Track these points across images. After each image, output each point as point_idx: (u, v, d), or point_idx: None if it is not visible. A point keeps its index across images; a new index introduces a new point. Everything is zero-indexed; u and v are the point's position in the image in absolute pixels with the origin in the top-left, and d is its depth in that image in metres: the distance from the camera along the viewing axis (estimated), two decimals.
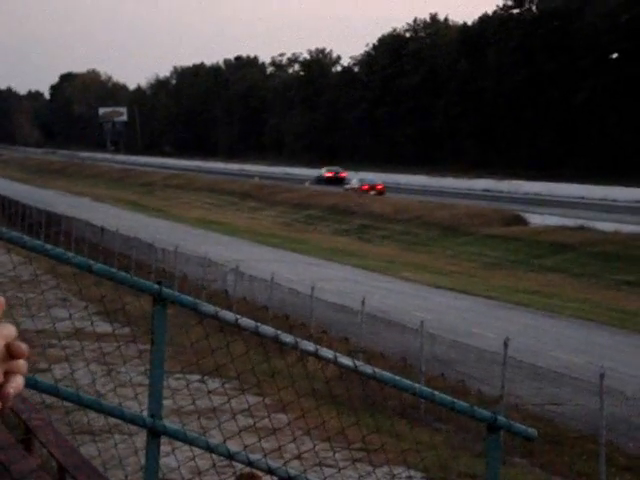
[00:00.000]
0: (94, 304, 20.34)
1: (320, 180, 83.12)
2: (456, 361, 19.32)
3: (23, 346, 1.29)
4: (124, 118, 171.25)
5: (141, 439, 6.26)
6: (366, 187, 70.27)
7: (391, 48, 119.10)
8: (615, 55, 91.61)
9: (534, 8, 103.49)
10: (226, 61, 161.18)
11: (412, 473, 12.36)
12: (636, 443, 15.48)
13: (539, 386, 18.11)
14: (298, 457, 8.52)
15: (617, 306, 30.91)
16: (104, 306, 16.29)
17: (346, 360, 5.27)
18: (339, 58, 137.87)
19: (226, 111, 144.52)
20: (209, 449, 5.03)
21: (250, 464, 5.03)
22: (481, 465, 7.63)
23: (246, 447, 5.40)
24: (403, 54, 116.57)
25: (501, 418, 5.27)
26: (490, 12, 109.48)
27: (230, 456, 5.06)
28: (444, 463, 13.21)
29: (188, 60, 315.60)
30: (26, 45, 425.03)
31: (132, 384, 11.49)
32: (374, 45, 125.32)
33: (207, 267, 28.63)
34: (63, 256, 4.86)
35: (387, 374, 5.33)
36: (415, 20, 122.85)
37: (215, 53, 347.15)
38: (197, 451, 5.24)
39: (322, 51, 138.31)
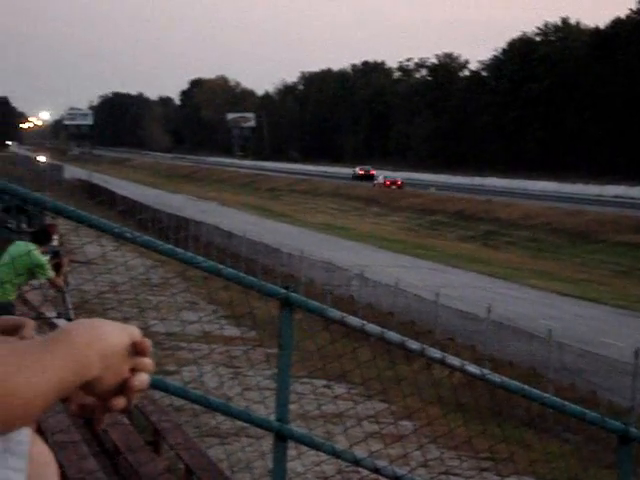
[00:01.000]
0: (222, 307, 20.56)
1: (355, 177, 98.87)
2: (585, 371, 18.93)
3: (148, 342, 1.31)
4: (252, 124, 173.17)
5: (267, 443, 6.28)
6: (388, 183, 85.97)
7: (521, 52, 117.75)
8: None
9: None
10: (353, 66, 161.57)
11: None
12: None
13: None
14: (424, 465, 8.45)
15: None
16: (232, 310, 16.48)
17: (473, 368, 5.23)
18: (467, 63, 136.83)
19: (352, 116, 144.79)
20: (335, 455, 5.01)
21: (376, 471, 5.00)
22: (612, 477, 7.43)
23: (372, 453, 5.36)
24: (533, 58, 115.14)
25: (633, 430, 5.16)
26: (623, 16, 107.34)
27: (356, 462, 5.03)
28: (574, 474, 12.95)
29: (315, 66, 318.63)
30: (157, 52, 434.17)
31: (259, 388, 11.58)
32: (503, 49, 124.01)
33: (332, 272, 28.69)
34: (193, 260, 4.91)
35: (515, 383, 5.27)
36: (546, 24, 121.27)
37: (342, 58, 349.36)
38: (323, 456, 5.22)
39: (450, 55, 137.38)
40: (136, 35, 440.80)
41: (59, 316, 15.62)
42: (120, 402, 1.29)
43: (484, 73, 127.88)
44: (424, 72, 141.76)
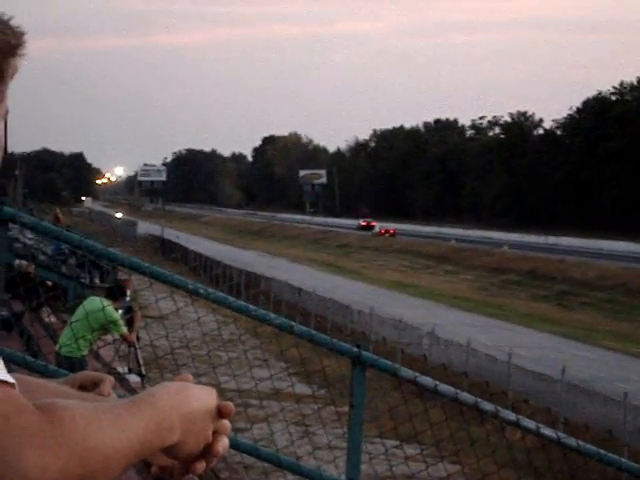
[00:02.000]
0: (292, 365, 20.50)
1: (359, 227, 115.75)
2: None
3: (230, 405, 1.32)
4: (323, 180, 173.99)
5: None
6: (382, 231, 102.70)
7: (596, 111, 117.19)
8: None
9: None
10: (425, 124, 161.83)
11: None
12: None
13: None
14: None
15: None
16: (303, 367, 16.45)
17: (549, 431, 5.16)
18: (541, 121, 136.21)
19: (424, 174, 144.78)
20: None
21: None
22: None
23: None
24: (608, 117, 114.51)
25: None
26: None
27: None
28: None
29: (388, 123, 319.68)
30: (231, 109, 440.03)
31: (330, 447, 11.46)
32: (578, 108, 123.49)
33: (402, 330, 28.51)
34: (266, 317, 4.95)
35: (591, 447, 5.20)
36: (621, 83, 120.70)
37: (415, 116, 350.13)
38: None
39: (524, 114, 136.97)
40: (210, 93, 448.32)
41: (130, 372, 15.69)
42: (201, 466, 1.30)
43: (558, 132, 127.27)
44: (497, 130, 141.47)
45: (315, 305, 35.50)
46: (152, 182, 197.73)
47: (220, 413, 1.30)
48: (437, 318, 37.87)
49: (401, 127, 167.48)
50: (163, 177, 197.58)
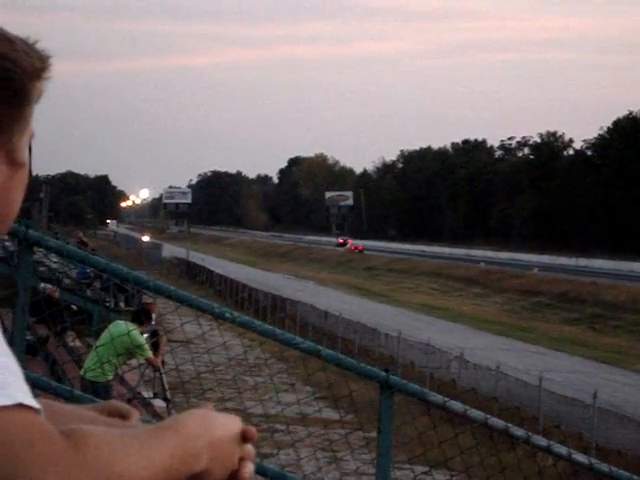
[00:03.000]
0: (319, 389, 20.33)
1: (337, 245, 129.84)
2: None
3: (253, 429, 1.31)
4: (350, 202, 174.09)
5: None
6: (352, 248, 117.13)
7: (627, 131, 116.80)
8: None
9: None
10: (453, 145, 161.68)
11: None
12: None
13: None
14: None
15: None
16: (330, 392, 16.27)
17: (580, 457, 5.17)
18: (571, 141, 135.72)
19: (451, 195, 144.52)
20: None
21: None
22: None
23: None
24: (639, 137, 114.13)
25: None
26: None
27: None
28: None
29: (415, 144, 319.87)
30: (257, 131, 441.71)
31: (358, 473, 11.26)
32: (609, 128, 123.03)
33: (430, 354, 28.32)
34: (292, 341, 4.96)
35: (624, 473, 5.20)
36: None
37: (442, 137, 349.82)
38: None
39: (553, 134, 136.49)
40: (235, 115, 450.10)
41: (155, 396, 15.56)
42: None
43: (589, 152, 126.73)
44: (526, 151, 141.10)
45: (342, 329, 35.35)
46: (177, 204, 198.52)
47: (244, 438, 1.30)
48: (466, 342, 37.64)
49: (429, 148, 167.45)
50: (188, 199, 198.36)
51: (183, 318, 5.36)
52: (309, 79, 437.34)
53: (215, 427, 1.26)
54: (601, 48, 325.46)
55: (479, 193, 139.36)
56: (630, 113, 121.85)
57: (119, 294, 23.50)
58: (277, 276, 79.00)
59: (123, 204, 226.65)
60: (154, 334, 13.44)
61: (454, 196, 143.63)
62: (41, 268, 20.93)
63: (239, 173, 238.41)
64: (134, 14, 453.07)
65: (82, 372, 12.17)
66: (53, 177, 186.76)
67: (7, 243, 19.48)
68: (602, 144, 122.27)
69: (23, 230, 4.60)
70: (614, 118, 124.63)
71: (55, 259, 21.24)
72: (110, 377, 12.20)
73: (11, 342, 4.65)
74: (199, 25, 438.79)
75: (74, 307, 20.58)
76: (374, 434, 5.08)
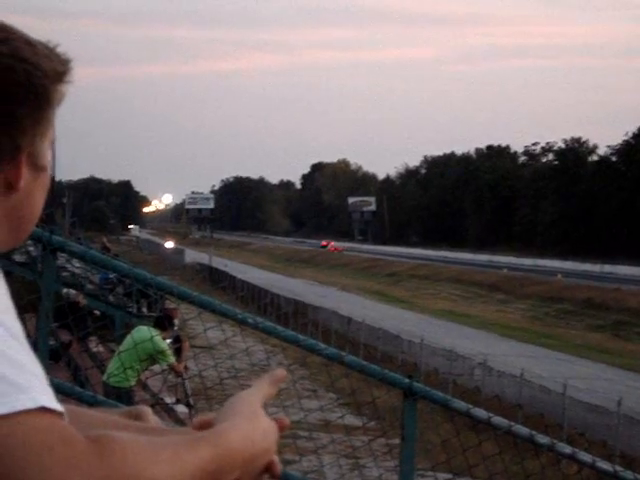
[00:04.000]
0: (342, 396, 20.31)
1: (321, 246, 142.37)
2: None
3: (286, 420, 1.32)
4: (372, 208, 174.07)
5: None
6: (332, 249, 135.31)
7: None
8: None
9: None
10: (477, 150, 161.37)
11: None
12: None
13: None
14: None
15: None
16: (353, 398, 16.25)
17: (605, 465, 5.15)
18: (595, 147, 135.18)
19: (475, 201, 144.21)
20: None
21: None
22: None
23: None
24: None
25: None
26: None
27: None
28: None
29: (439, 149, 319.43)
30: (279, 136, 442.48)
31: None
32: (633, 134, 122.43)
33: (453, 361, 28.26)
34: (315, 347, 4.95)
35: None
36: None
37: (466, 142, 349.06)
38: None
39: (578, 140, 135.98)
40: (258, 120, 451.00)
41: (178, 402, 15.57)
42: None
43: (613, 158, 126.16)
44: (551, 156, 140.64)
45: (365, 335, 35.33)
46: (200, 210, 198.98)
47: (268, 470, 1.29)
48: (489, 348, 37.53)
49: (452, 153, 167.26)
50: (211, 205, 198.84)
51: (206, 324, 5.36)
52: (332, 85, 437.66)
53: (256, 442, 1.24)
54: (626, 53, 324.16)
55: (503, 199, 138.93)
56: None
57: (142, 299, 23.55)
58: (299, 282, 79.06)
59: (146, 209, 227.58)
60: (177, 340, 13.45)
61: (478, 202, 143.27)
62: (64, 273, 21.03)
63: (262, 179, 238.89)
64: (159, 20, 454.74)
65: (105, 377, 12.26)
66: (76, 182, 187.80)
67: (30, 248, 19.59)
68: (627, 150, 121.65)
69: (47, 235, 4.60)
70: (639, 124, 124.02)
71: (78, 264, 21.35)
72: (133, 382, 12.23)
73: (35, 347, 4.63)
74: (222, 31, 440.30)
75: (97, 312, 20.67)
76: (397, 441, 5.05)
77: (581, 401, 22.88)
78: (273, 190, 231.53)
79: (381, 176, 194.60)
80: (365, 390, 7.81)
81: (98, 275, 24.91)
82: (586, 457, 5.13)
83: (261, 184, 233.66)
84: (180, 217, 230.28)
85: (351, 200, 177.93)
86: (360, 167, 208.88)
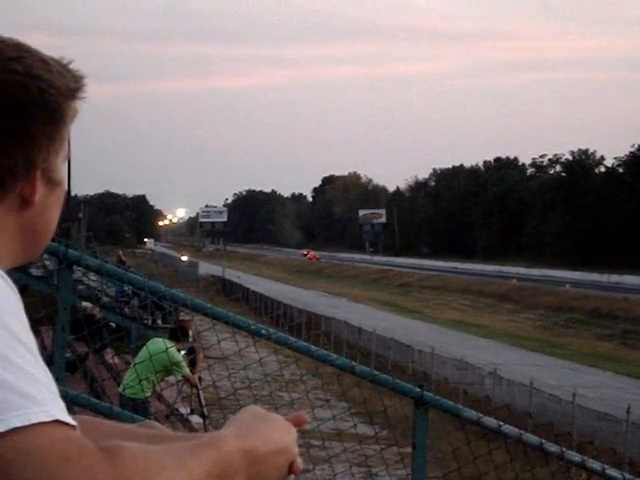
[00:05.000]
0: (354, 405, 20.44)
1: (303, 255, 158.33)
2: None
3: (303, 416, 1.38)
4: (383, 220, 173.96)
5: None
6: (312, 258, 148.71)
7: None
8: None
9: None
10: (485, 162, 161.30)
11: None
12: None
13: None
14: None
15: None
16: (365, 408, 16.39)
17: (614, 472, 5.18)
18: (602, 159, 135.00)
19: (484, 212, 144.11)
20: None
21: None
22: None
23: None
24: None
25: None
26: None
27: None
28: None
29: (447, 162, 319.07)
30: (291, 150, 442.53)
31: None
32: (639, 145, 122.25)
33: (464, 370, 28.35)
34: (327, 357, 4.98)
35: None
36: None
37: (475, 155, 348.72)
38: None
39: (585, 152, 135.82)
40: (269, 134, 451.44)
41: (193, 413, 15.73)
42: None
43: (620, 169, 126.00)
44: (558, 168, 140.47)
45: (376, 345, 35.43)
46: (213, 223, 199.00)
47: (295, 424, 1.35)
48: (499, 358, 37.58)
49: (461, 166, 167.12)
50: (224, 218, 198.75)
51: (220, 335, 5.32)
52: (342, 99, 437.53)
53: (259, 443, 1.28)
54: (632, 66, 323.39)
55: (511, 210, 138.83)
56: None
57: (157, 312, 23.62)
58: (311, 293, 79.06)
59: (160, 223, 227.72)
60: (191, 351, 13.58)
61: (486, 213, 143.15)
62: (80, 286, 21.15)
63: (274, 192, 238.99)
64: (169, 37, 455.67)
65: (121, 389, 12.21)
66: (92, 197, 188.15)
67: (47, 262, 19.67)
68: (633, 161, 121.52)
69: (63, 249, 4.60)
70: None
71: (94, 277, 21.46)
72: (148, 394, 12.23)
73: (51, 359, 4.68)
74: (235, 48, 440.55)
75: (112, 325, 20.80)
76: (409, 449, 5.06)
77: (590, 409, 22.86)
78: (285, 203, 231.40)
79: (391, 189, 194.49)
80: (376, 399, 7.93)
81: (114, 288, 25.00)
82: (595, 465, 5.15)
83: (273, 197, 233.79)
84: (194, 230, 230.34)
85: (362, 212, 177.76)
86: (370, 180, 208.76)
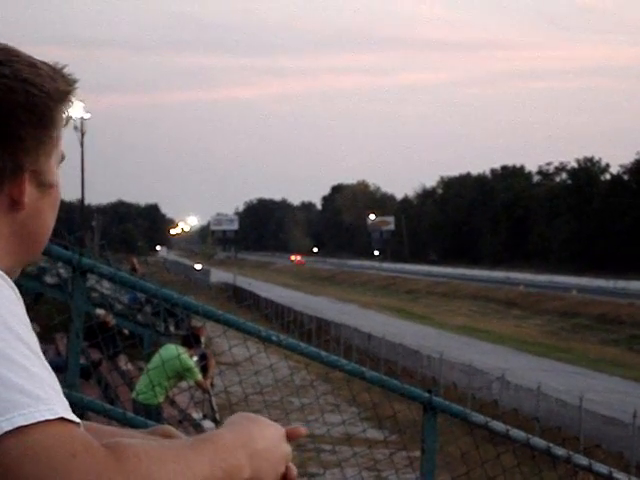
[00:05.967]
0: (364, 410, 20.59)
1: (290, 261, 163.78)
2: None
3: (300, 429, 1.41)
4: (391, 227, 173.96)
5: None
6: (297, 262, 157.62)
7: None
8: None
9: None
10: (492, 170, 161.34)
11: None
12: None
13: None
14: None
15: None
16: (375, 412, 16.52)
17: (621, 476, 5.24)
18: (608, 166, 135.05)
19: (491, 220, 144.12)
20: None
21: None
22: None
23: None
24: None
25: None
26: None
27: None
28: None
29: (455, 170, 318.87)
30: (301, 159, 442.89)
31: None
32: None
33: (472, 375, 28.46)
34: (337, 363, 5.08)
35: None
36: None
37: (481, 163, 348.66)
38: None
39: (590, 159, 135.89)
40: (279, 144, 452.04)
41: (205, 418, 15.92)
42: None
43: (625, 176, 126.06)
44: (564, 176, 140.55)
45: (385, 350, 35.56)
46: (224, 231, 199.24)
47: (289, 438, 1.37)
48: (507, 363, 37.64)
49: (468, 174, 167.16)
50: (235, 226, 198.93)
51: (231, 341, 5.35)
52: (351, 109, 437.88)
53: (255, 438, 1.31)
54: (637, 74, 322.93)
55: (518, 217, 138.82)
56: None
57: (169, 318, 23.70)
58: (321, 299, 79.08)
59: (172, 231, 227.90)
60: (203, 357, 13.75)
61: (493, 221, 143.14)
62: (94, 294, 21.30)
63: (284, 200, 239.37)
64: (177, 48, 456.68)
65: (134, 395, 12.34)
66: (105, 206, 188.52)
67: (61, 270, 19.81)
68: (638, 169, 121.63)
69: (77, 258, 4.63)
70: None
71: (107, 285, 21.60)
72: (161, 399, 12.28)
73: (66, 366, 4.80)
74: (245, 59, 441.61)
75: (126, 331, 20.97)
76: (418, 454, 5.09)
77: (597, 413, 22.95)
78: (295, 211, 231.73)
79: (399, 196, 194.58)
80: (386, 404, 8.08)
81: (127, 295, 25.14)
82: (602, 468, 5.18)
83: (283, 205, 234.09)
84: (206, 238, 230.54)
85: (370, 220, 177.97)
86: (379, 188, 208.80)
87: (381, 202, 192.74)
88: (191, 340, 12.84)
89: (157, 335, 20.76)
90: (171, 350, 12.13)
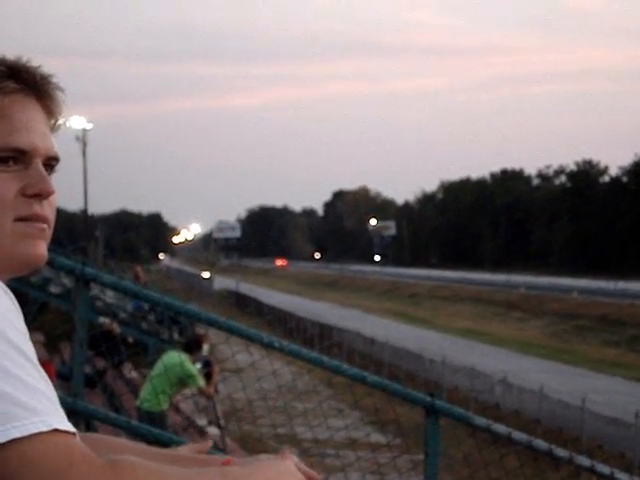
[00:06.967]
0: (367, 414, 20.65)
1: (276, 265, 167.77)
2: None
3: (316, 476, 1.43)
4: (392, 232, 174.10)
5: None
6: (280, 266, 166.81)
7: None
8: None
9: None
10: (492, 174, 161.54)
11: None
12: None
13: None
14: None
15: None
16: (378, 416, 16.53)
17: (623, 476, 5.23)
18: (607, 169, 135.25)
19: (491, 223, 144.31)
20: None
21: None
22: None
23: None
24: None
25: None
26: None
27: None
28: None
29: (455, 174, 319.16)
30: (302, 166, 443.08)
31: None
32: None
33: (474, 378, 28.52)
34: (339, 368, 5.07)
35: None
36: None
37: (481, 167, 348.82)
38: None
39: (589, 162, 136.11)
40: (281, 151, 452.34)
41: (210, 424, 15.98)
42: None
43: (624, 179, 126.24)
44: (563, 179, 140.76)
45: (388, 355, 35.63)
46: (227, 238, 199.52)
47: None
48: (509, 365, 37.69)
49: (468, 178, 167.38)
50: (237, 234, 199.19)
51: (234, 348, 5.47)
52: (351, 115, 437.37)
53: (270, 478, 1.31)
54: (635, 77, 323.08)
55: (518, 220, 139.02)
56: None
57: (173, 326, 23.76)
58: (324, 305, 79.14)
59: (175, 239, 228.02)
60: (207, 364, 13.82)
61: (494, 224, 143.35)
62: (98, 303, 21.36)
63: (285, 207, 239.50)
64: (184, 57, 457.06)
65: (138, 403, 12.34)
66: (108, 215, 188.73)
67: (65, 280, 19.85)
68: (637, 170, 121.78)
69: (80, 267, 4.62)
70: None
71: (111, 293, 21.61)
72: (165, 407, 12.24)
73: (71, 375, 4.81)
74: (245, 67, 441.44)
75: (130, 340, 21.02)
76: (421, 457, 5.10)
77: (599, 414, 23.02)
78: (296, 218, 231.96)
79: (400, 201, 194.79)
80: (389, 408, 8.13)
81: (131, 303, 25.25)
82: (605, 469, 5.15)
83: (285, 212, 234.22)
84: (209, 246, 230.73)
85: (372, 225, 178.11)
86: (379, 193, 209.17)
87: (382, 207, 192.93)
88: (192, 346, 12.87)
89: (161, 343, 20.81)
90: (173, 357, 12.17)
